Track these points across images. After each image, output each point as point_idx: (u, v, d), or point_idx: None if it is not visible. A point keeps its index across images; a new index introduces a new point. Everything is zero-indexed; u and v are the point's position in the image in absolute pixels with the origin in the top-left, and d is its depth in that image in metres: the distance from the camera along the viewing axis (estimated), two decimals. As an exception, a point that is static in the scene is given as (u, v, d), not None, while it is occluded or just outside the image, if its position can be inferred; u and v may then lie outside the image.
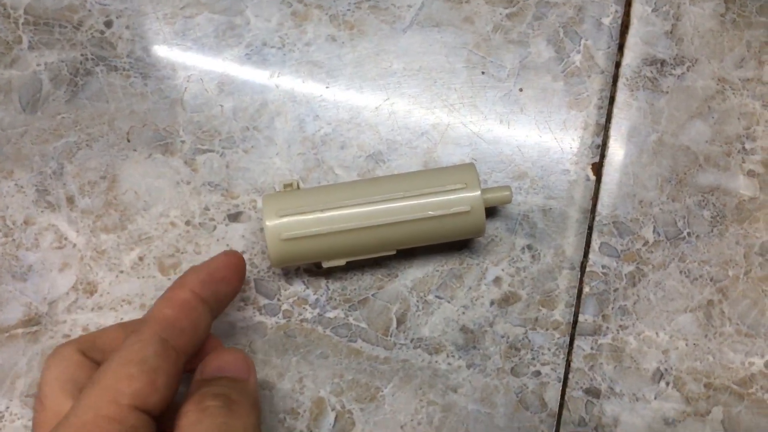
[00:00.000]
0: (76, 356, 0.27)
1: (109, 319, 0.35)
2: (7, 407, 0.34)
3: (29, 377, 0.35)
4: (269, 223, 0.32)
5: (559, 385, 0.35)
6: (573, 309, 0.35)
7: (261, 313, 0.35)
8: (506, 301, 0.35)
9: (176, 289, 0.29)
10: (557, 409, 0.35)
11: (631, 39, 0.37)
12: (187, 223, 0.36)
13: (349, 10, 0.37)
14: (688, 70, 0.37)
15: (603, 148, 0.36)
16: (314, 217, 0.32)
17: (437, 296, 0.35)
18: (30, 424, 0.34)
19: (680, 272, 0.36)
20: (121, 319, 0.35)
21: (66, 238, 0.35)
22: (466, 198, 0.32)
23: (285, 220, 0.32)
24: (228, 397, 0.27)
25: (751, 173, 0.36)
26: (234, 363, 0.29)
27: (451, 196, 0.32)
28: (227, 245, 0.35)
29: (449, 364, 0.35)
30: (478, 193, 0.32)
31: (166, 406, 0.26)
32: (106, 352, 0.28)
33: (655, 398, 0.35)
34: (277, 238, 0.32)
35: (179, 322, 0.27)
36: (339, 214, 0.32)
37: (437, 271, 0.36)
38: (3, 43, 0.37)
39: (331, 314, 0.35)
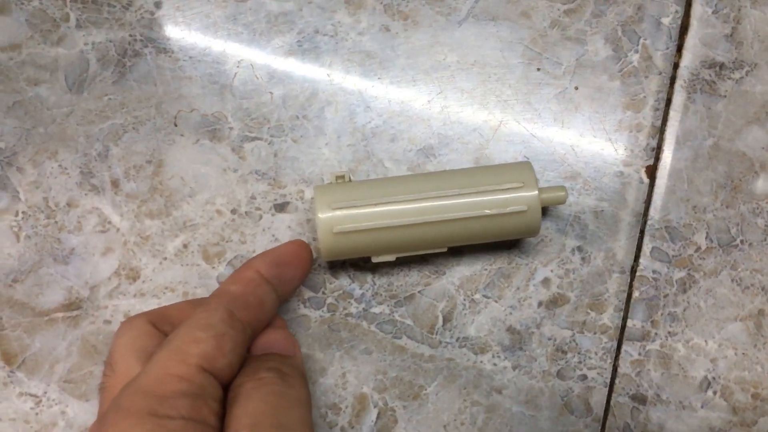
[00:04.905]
0: (147, 326, 0.28)
1: (151, 306, 0.34)
2: (45, 392, 0.34)
3: (68, 362, 0.34)
4: (322, 215, 0.31)
5: (605, 390, 0.34)
6: (622, 313, 0.35)
7: (305, 306, 0.35)
8: (554, 302, 0.35)
9: (243, 269, 0.30)
10: (602, 415, 0.34)
11: (690, 40, 0.36)
12: (233, 211, 0.35)
13: (404, 0, 0.37)
14: (746, 75, 0.36)
15: (658, 150, 0.36)
16: (367, 211, 0.31)
17: (485, 295, 0.35)
18: (67, 410, 0.34)
19: (732, 280, 0.35)
20: (164, 306, 0.34)
21: (109, 222, 0.35)
22: (523, 197, 0.31)
23: (338, 213, 0.31)
24: (279, 369, 0.27)
25: (807, 182, 0.36)
26: (280, 341, 0.30)
27: (508, 195, 0.32)
28: (273, 236, 0.35)
29: (494, 364, 0.34)
30: (536, 192, 0.31)
31: (233, 375, 0.27)
32: (174, 325, 0.29)
33: (702, 407, 0.34)
34: (329, 231, 0.31)
35: (245, 296, 0.28)
36: (393, 209, 0.31)
37: (485, 270, 0.35)
38: (50, 20, 0.36)
39: (376, 309, 0.35)
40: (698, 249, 0.35)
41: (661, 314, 0.35)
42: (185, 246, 0.35)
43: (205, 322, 0.26)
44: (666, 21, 0.37)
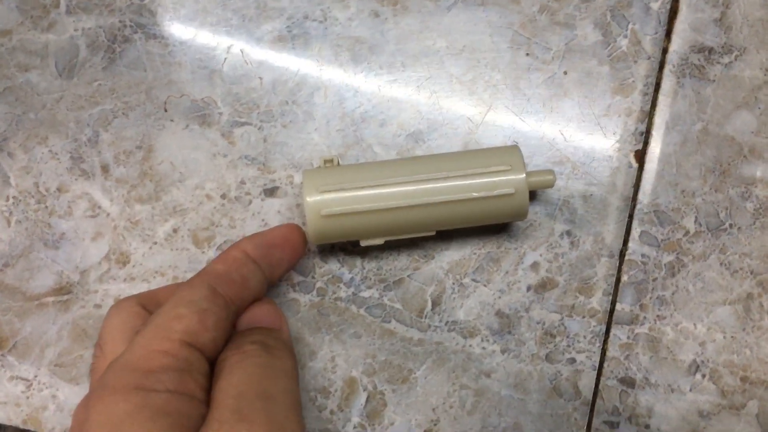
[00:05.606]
0: (136, 308, 0.29)
1: (140, 291, 0.34)
2: (35, 376, 0.34)
3: (59, 346, 0.34)
4: (310, 199, 0.31)
5: (594, 374, 0.35)
6: (610, 297, 0.35)
7: (295, 290, 0.35)
8: (543, 286, 0.35)
9: (229, 249, 0.30)
10: (591, 398, 0.34)
11: (680, 25, 0.36)
12: (223, 196, 0.35)
13: (393, -15, 0.37)
14: (735, 59, 0.36)
15: (647, 135, 0.36)
16: (355, 194, 0.31)
17: (473, 279, 0.35)
18: (58, 393, 0.34)
19: (720, 264, 0.35)
20: (154, 291, 0.34)
21: (100, 207, 0.35)
22: (510, 180, 0.32)
23: (326, 196, 0.31)
24: (264, 342, 0.27)
25: (796, 166, 0.36)
26: (266, 314, 0.30)
27: (496, 178, 0.32)
28: (262, 220, 0.35)
29: (483, 348, 0.35)
30: (523, 176, 0.32)
31: (218, 349, 0.27)
32: None
33: (691, 390, 0.34)
34: (317, 214, 0.31)
35: (228, 274, 0.29)
36: (381, 192, 0.31)
37: (474, 254, 0.35)
38: (40, 6, 0.36)
39: (365, 294, 0.35)
40: (687, 233, 0.35)
41: (650, 298, 0.35)
42: (175, 231, 0.35)
43: (188, 298, 0.26)
44: (655, 6, 0.37)
